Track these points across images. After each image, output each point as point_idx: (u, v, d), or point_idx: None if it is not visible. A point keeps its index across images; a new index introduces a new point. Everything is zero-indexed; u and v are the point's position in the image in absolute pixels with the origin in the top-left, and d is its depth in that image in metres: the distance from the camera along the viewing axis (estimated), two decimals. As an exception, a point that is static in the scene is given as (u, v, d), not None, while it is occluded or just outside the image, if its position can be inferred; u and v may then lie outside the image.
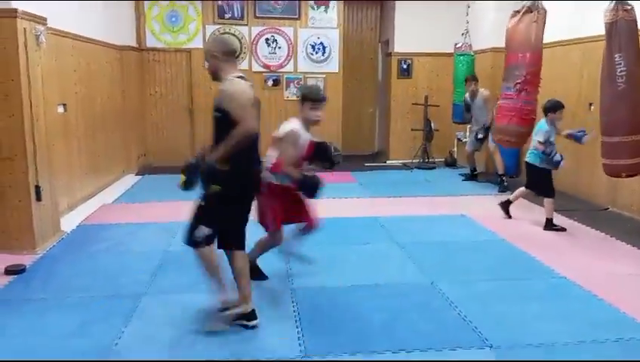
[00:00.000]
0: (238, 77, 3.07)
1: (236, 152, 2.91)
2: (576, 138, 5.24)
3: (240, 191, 3.10)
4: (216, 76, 3.10)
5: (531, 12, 5.60)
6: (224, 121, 2.92)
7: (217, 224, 3.09)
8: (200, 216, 3.06)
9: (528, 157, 5.30)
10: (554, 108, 5.11)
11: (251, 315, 3.18)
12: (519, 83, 5.50)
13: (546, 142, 5.04)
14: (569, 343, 3.02)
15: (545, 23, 5.42)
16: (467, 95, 7.58)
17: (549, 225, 5.22)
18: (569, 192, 6.61)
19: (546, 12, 5.42)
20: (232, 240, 3.18)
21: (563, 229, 5.20)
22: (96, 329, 3.15)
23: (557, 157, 5.07)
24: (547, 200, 5.26)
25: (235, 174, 2.98)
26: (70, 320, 3.25)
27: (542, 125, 5.13)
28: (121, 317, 3.30)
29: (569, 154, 5.74)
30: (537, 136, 5.10)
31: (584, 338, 3.07)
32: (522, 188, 5.51)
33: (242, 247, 3.22)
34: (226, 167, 2.94)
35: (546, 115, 5.14)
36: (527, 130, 5.48)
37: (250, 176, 3.14)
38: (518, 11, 5.58)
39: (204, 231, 3.03)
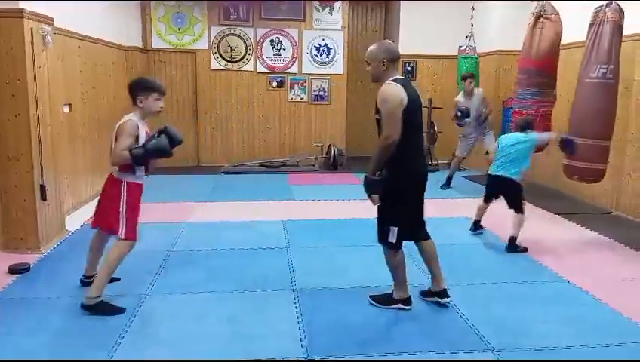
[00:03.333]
0: (395, 80, 3.17)
1: (387, 158, 3.11)
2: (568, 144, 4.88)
3: (400, 190, 3.26)
4: (377, 79, 3.28)
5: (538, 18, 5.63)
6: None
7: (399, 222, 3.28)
8: (383, 217, 3.30)
9: (509, 173, 4.70)
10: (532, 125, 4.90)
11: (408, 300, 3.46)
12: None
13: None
14: (571, 347, 3.02)
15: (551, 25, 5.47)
16: (461, 97, 7.14)
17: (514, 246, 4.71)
18: (571, 196, 6.61)
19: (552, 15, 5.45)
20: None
21: (525, 250, 4.68)
22: (99, 328, 3.17)
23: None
24: (521, 216, 4.76)
25: (391, 177, 3.17)
26: (73, 320, 3.27)
27: (530, 137, 4.74)
28: (123, 316, 3.31)
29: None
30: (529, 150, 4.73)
31: (587, 343, 3.06)
32: (483, 203, 5.06)
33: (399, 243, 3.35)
34: (381, 175, 3.17)
35: (524, 131, 4.78)
36: None
37: (408, 174, 3.27)
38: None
39: (393, 231, 3.25)
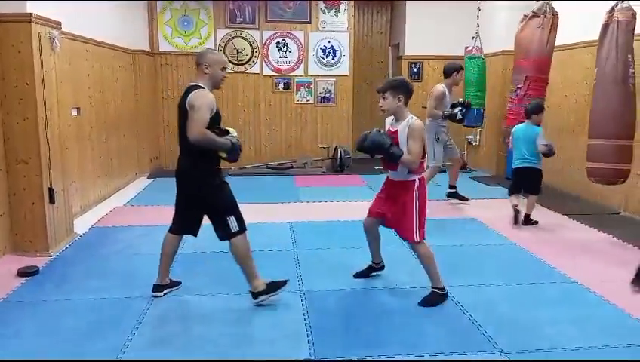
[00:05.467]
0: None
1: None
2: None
3: None
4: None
5: (537, 16, 5.62)
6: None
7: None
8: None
9: (531, 163, 5.36)
10: (540, 109, 5.35)
11: None
12: (519, 88, 5.61)
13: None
14: (580, 348, 3.00)
15: (553, 27, 5.46)
16: (446, 88, 6.11)
17: (529, 221, 5.43)
18: (580, 196, 6.57)
19: (554, 16, 5.44)
20: None
21: (535, 222, 5.43)
22: (108, 330, 3.19)
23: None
24: (534, 197, 5.47)
25: None
26: (82, 322, 3.29)
27: (537, 129, 5.29)
28: (132, 318, 3.33)
29: (579, 159, 5.70)
30: (540, 140, 5.24)
31: (595, 344, 3.05)
32: (533, 197, 5.50)
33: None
34: None
35: (529, 117, 5.34)
36: None
37: None
38: (525, 16, 5.66)
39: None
